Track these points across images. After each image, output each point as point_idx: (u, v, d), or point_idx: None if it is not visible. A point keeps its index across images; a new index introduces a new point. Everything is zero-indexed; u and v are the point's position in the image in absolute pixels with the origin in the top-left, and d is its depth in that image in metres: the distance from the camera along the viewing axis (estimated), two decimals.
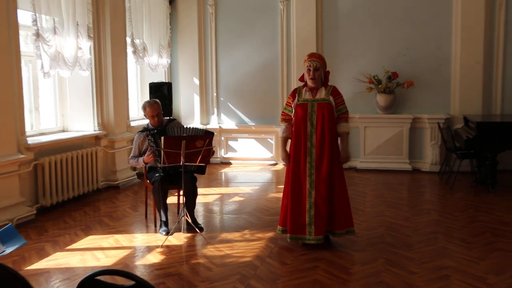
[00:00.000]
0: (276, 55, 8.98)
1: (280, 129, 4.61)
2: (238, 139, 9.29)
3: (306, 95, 4.48)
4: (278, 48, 8.94)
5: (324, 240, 4.50)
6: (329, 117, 4.41)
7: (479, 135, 6.58)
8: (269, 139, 9.13)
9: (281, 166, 8.85)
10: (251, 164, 9.07)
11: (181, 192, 5.38)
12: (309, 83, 4.47)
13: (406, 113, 8.39)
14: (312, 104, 4.42)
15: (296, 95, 4.49)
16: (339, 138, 4.52)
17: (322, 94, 4.46)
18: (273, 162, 9.11)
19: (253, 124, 9.25)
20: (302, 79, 4.58)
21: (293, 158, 4.43)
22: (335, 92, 4.50)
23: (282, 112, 4.59)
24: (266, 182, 7.74)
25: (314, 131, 4.39)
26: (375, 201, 6.28)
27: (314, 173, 4.38)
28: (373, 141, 8.29)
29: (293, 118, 4.51)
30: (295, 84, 8.75)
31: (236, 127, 9.26)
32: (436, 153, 8.13)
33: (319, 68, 4.43)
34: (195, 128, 5.13)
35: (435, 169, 8.09)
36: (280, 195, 6.68)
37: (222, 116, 9.39)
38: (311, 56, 4.50)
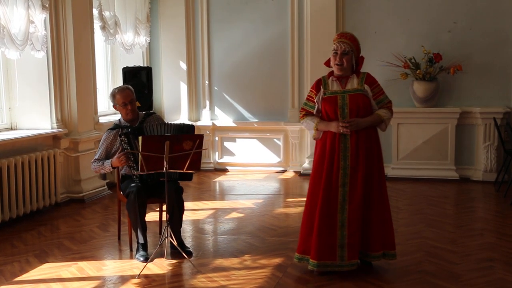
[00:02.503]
0: (284, 33, 9.00)
1: (305, 125, 4.60)
2: (237, 139, 9.30)
3: (334, 86, 4.49)
4: (287, 24, 8.95)
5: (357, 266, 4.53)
6: (365, 112, 4.44)
7: None
8: (276, 140, 9.14)
9: (291, 173, 8.84)
10: (252, 171, 9.08)
11: (164, 207, 5.35)
12: (335, 70, 4.48)
13: (451, 106, 8.38)
14: (342, 96, 4.44)
15: (321, 87, 4.50)
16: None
17: (354, 83, 4.48)
18: (281, 168, 9.11)
19: (256, 120, 9.26)
20: (328, 63, 4.58)
21: (325, 164, 4.43)
22: (370, 80, 4.50)
23: (302, 108, 4.62)
24: (272, 194, 7.73)
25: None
26: (411, 219, 6.25)
27: (348, 182, 4.41)
28: (409, 142, 8.28)
29: (316, 114, 4.52)
30: (309, 68, 8.79)
31: (233, 125, 9.27)
32: (492, 158, 8.11)
33: (348, 52, 4.43)
34: (176, 124, 5.16)
35: (490, 177, 8.07)
36: (291, 210, 6.72)
37: (216, 110, 9.40)
38: (340, 36, 4.51)
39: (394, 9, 8.57)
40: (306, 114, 4.59)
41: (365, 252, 4.55)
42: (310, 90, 4.58)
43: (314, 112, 4.55)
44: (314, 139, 4.65)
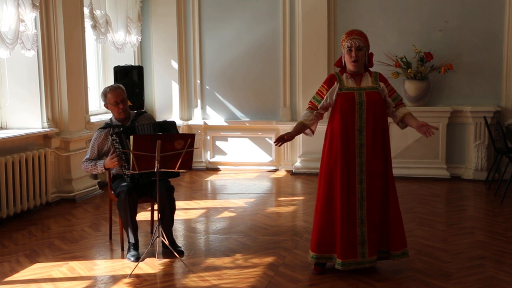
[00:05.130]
0: (276, 32, 9.01)
1: (302, 115, 4.65)
2: (228, 138, 9.30)
3: (349, 82, 4.51)
4: (279, 23, 8.96)
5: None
6: (381, 110, 4.49)
7: None
8: (267, 139, 9.14)
9: (283, 172, 8.85)
10: (244, 170, 9.08)
11: (155, 206, 5.35)
12: (350, 67, 4.48)
13: (442, 104, 8.41)
14: (359, 93, 4.46)
15: (336, 82, 4.51)
16: (406, 120, 4.57)
17: (368, 81, 4.52)
18: (273, 167, 9.11)
19: (247, 119, 9.26)
20: (338, 63, 4.60)
21: (339, 162, 4.44)
22: (383, 79, 4.60)
23: (310, 101, 4.63)
24: (264, 193, 7.73)
25: (364, 126, 4.44)
26: (402, 217, 6.21)
27: (365, 179, 4.44)
28: (400, 140, 8.29)
29: (321, 109, 4.55)
30: (301, 67, 8.81)
31: (225, 124, 9.27)
32: (482, 156, 8.14)
33: (362, 48, 4.46)
34: (156, 122, 5.20)
35: (480, 176, 8.11)
36: (283, 210, 6.73)
37: (208, 109, 9.39)
38: (351, 33, 4.51)
39: (385, 8, 8.59)
40: (311, 107, 4.62)
41: (387, 251, 4.59)
42: (322, 85, 4.57)
43: (319, 106, 4.55)
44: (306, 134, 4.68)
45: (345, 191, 4.43)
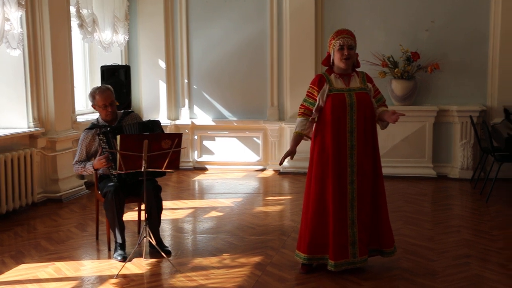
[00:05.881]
0: (263, 31, 9.01)
1: (296, 123, 4.61)
2: (216, 138, 9.28)
3: (338, 83, 4.50)
4: (267, 22, 8.96)
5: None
6: (371, 110, 4.53)
7: None
8: (255, 138, 9.14)
9: (270, 172, 8.86)
10: (232, 170, 9.07)
11: (142, 206, 5.33)
12: (341, 65, 4.47)
13: (429, 104, 8.45)
14: (349, 94, 4.46)
15: (325, 83, 4.49)
16: (381, 115, 4.56)
17: (357, 81, 4.53)
18: (261, 167, 9.11)
19: (235, 119, 9.25)
20: (326, 62, 4.59)
21: (331, 163, 4.44)
22: (369, 79, 4.63)
23: (302, 105, 4.57)
24: (252, 192, 7.73)
25: (355, 127, 4.45)
26: (389, 216, 6.24)
27: (355, 180, 4.46)
28: (387, 140, 8.28)
29: (315, 113, 4.52)
30: (289, 66, 8.82)
31: (213, 123, 9.25)
32: (468, 155, 8.19)
33: (353, 47, 4.48)
34: (140, 122, 5.19)
35: (466, 175, 8.15)
36: (270, 209, 6.74)
37: (195, 109, 9.37)
38: (341, 32, 4.51)
39: (372, 8, 8.61)
40: (305, 113, 4.55)
41: (379, 249, 4.64)
42: (311, 87, 4.53)
43: (314, 109, 4.51)
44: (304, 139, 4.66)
45: (337, 192, 4.44)
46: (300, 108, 4.59)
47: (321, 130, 4.51)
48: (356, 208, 4.48)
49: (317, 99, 4.48)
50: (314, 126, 4.60)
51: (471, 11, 8.32)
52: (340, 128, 4.44)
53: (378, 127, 4.66)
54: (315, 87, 4.50)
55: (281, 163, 4.62)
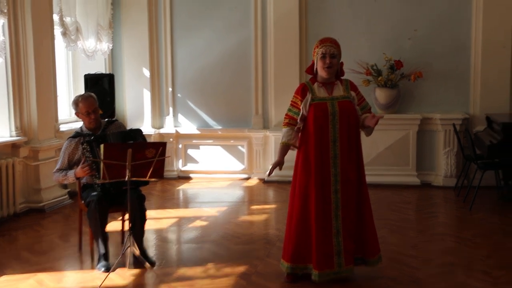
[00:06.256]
0: (247, 40, 9.02)
1: (282, 133, 4.61)
2: (200, 146, 9.26)
3: (321, 92, 4.50)
4: (251, 31, 8.97)
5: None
6: (355, 119, 4.52)
7: (505, 140, 6.67)
8: (240, 147, 9.13)
9: (255, 180, 8.85)
10: (216, 178, 9.04)
11: (126, 216, 5.30)
12: (323, 73, 4.47)
13: (413, 112, 8.48)
14: (332, 103, 4.46)
15: (308, 92, 4.50)
16: (364, 121, 4.55)
17: (340, 90, 4.53)
18: (245, 176, 9.09)
19: (220, 127, 9.24)
20: (310, 70, 4.60)
21: (313, 172, 4.44)
22: (353, 87, 4.61)
23: (286, 114, 4.58)
24: (237, 201, 7.73)
25: (338, 137, 4.45)
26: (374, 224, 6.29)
27: (340, 189, 4.46)
28: (371, 148, 8.28)
29: (300, 122, 4.52)
30: (273, 75, 8.84)
31: (197, 132, 9.23)
32: (452, 163, 8.23)
33: (336, 55, 4.47)
34: (122, 131, 5.16)
35: (450, 183, 8.18)
36: (256, 218, 6.75)
37: (180, 117, 9.35)
38: (325, 41, 4.51)
39: (356, 16, 8.64)
40: (290, 123, 4.56)
41: (363, 258, 4.62)
42: (295, 96, 4.55)
43: (298, 118, 4.52)
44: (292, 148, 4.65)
45: (320, 202, 4.43)
46: (285, 118, 4.60)
47: (305, 139, 4.52)
48: (341, 217, 4.46)
49: (301, 108, 4.50)
50: (298, 135, 4.60)
51: (453, 20, 8.38)
52: (323, 137, 4.44)
53: (363, 135, 4.67)
54: (298, 97, 4.53)
55: (269, 174, 4.64)
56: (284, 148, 4.60)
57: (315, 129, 4.44)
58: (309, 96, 4.48)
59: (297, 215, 4.51)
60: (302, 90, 4.52)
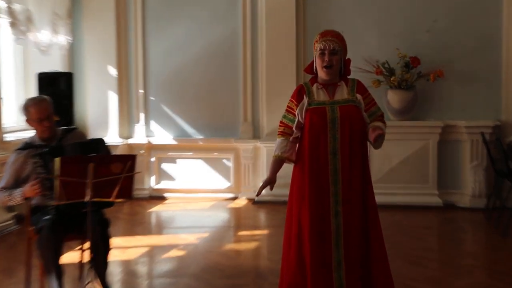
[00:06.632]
0: (235, 33, 9.06)
1: (275, 145, 4.56)
2: (177, 160, 9.25)
3: (320, 95, 4.45)
4: (238, 22, 9.01)
5: None
6: (360, 127, 4.43)
7: None
8: (225, 161, 9.12)
9: (243, 201, 8.81)
10: (197, 199, 9.03)
11: (86, 245, 5.20)
12: (322, 74, 4.42)
13: (432, 118, 8.50)
14: (332, 108, 4.39)
15: (305, 95, 4.45)
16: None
17: (343, 92, 4.46)
18: (232, 195, 9.08)
19: (201, 137, 9.24)
20: (309, 69, 4.55)
21: (307, 190, 4.38)
22: (361, 88, 4.51)
23: (281, 122, 4.54)
24: (221, 226, 7.71)
25: (338, 148, 4.37)
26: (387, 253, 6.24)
27: (341, 211, 4.36)
28: (383, 162, 8.34)
29: (296, 131, 4.47)
30: (265, 75, 8.84)
31: (174, 142, 9.23)
32: (480, 180, 8.23)
33: (337, 52, 4.40)
34: (80, 142, 5.07)
35: (478, 203, 8.17)
36: (244, 246, 6.71)
37: (153, 125, 9.34)
38: (325, 34, 4.46)
39: (364, 5, 8.69)
40: (284, 132, 4.51)
41: None
42: (290, 100, 4.51)
43: (294, 126, 4.47)
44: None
45: (316, 227, 4.34)
46: (279, 126, 4.55)
47: (301, 151, 4.47)
48: (343, 246, 4.36)
49: (296, 114, 4.45)
50: (295, 147, 4.53)
51: (479, 9, 8.44)
52: (320, 149, 4.37)
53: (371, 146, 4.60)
54: (294, 101, 4.49)
55: (258, 195, 4.55)
56: (277, 163, 4.53)
57: (311, 139, 4.38)
58: (305, 100, 4.43)
59: (295, 244, 4.43)
60: (298, 93, 4.48)
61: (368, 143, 4.52)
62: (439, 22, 8.50)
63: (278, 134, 4.53)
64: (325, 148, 4.36)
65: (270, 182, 4.49)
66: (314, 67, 4.48)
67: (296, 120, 4.45)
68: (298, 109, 4.43)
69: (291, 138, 4.50)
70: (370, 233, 4.45)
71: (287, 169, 4.61)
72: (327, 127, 4.35)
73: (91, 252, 4.81)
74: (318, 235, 4.34)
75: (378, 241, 4.49)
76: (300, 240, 4.40)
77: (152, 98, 9.33)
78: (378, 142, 4.46)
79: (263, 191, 4.50)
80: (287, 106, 4.52)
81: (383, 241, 4.53)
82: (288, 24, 8.68)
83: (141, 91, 9.29)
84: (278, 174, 4.56)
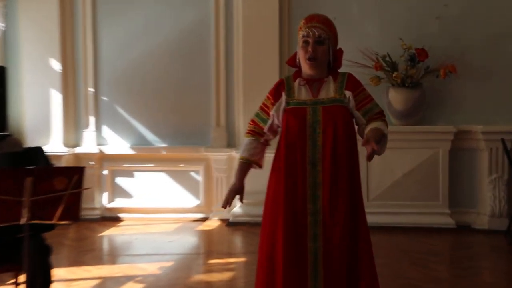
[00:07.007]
0: (205, 20, 9.10)
1: (242, 145, 4.57)
2: (135, 173, 9.27)
3: (302, 92, 4.41)
4: (210, 9, 9.05)
5: None
6: (348, 133, 4.37)
7: None
8: (193, 173, 9.15)
9: (215, 222, 8.83)
10: (158, 220, 9.04)
11: (22, 277, 5.12)
12: (306, 68, 4.39)
13: (443, 122, 8.55)
14: (313, 109, 4.35)
15: (283, 93, 4.41)
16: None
17: (330, 89, 4.41)
18: (201, 215, 9.10)
19: (164, 145, 9.27)
20: (292, 61, 4.53)
21: (282, 208, 4.33)
22: (352, 83, 4.44)
23: (252, 120, 4.54)
24: (188, 253, 7.70)
25: (319, 158, 4.32)
26: (388, 285, 6.15)
27: (320, 234, 4.31)
28: (383, 175, 8.37)
29: (269, 133, 4.47)
30: (241, 71, 8.87)
31: (131, 152, 9.25)
32: (501, 196, 8.25)
33: (324, 41, 4.37)
34: (17, 152, 4.98)
35: (499, 225, 8.17)
36: (215, 277, 6.68)
37: (105, 130, 9.35)
38: (310, 19, 4.44)
39: None
40: (254, 131, 4.51)
41: None
42: (268, 97, 4.49)
43: (266, 128, 4.46)
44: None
45: (291, 254, 4.30)
46: (249, 124, 4.55)
47: (277, 161, 4.43)
48: (322, 276, 4.33)
49: (270, 115, 4.44)
50: (265, 151, 4.56)
51: None
52: (297, 158, 4.34)
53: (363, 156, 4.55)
54: (271, 98, 4.47)
55: (224, 206, 4.52)
56: (245, 167, 4.55)
57: (287, 146, 4.35)
58: (283, 99, 4.41)
59: (265, 270, 4.40)
60: (276, 90, 4.46)
61: (357, 150, 4.46)
62: (451, 7, 8.54)
63: (247, 133, 4.53)
64: (303, 157, 4.32)
65: (238, 190, 4.50)
66: (298, 59, 4.46)
67: (270, 122, 4.44)
68: (274, 109, 4.42)
69: (262, 140, 4.50)
70: (359, 263, 4.38)
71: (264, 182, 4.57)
72: (306, 132, 4.32)
73: (28, 286, 4.74)
74: (293, 262, 4.29)
75: (368, 270, 4.42)
76: (271, 265, 4.36)
77: (104, 98, 9.32)
78: (378, 149, 4.34)
79: (238, 209, 4.46)
80: (262, 103, 4.50)
81: (374, 271, 4.47)
82: (270, 8, 8.71)
83: (91, 89, 9.28)
84: (257, 188, 4.55)
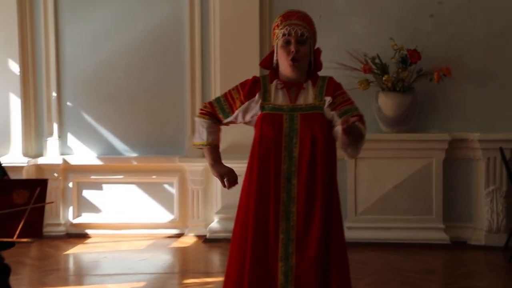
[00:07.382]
0: (179, 17, 9.10)
1: (198, 128, 4.59)
2: (104, 186, 9.25)
3: (279, 97, 4.40)
4: (184, 3, 9.03)
5: None
6: (325, 142, 4.35)
7: None
8: (167, 186, 9.16)
9: (191, 239, 8.85)
10: (129, 236, 9.04)
11: None
12: (287, 70, 4.38)
13: (436, 130, 8.59)
14: (291, 116, 4.35)
15: (258, 94, 4.41)
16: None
17: (309, 95, 4.41)
18: (176, 231, 9.10)
19: (135, 155, 9.27)
20: (267, 61, 4.53)
21: (255, 224, 4.34)
22: (332, 88, 4.43)
23: (210, 104, 4.54)
24: (161, 273, 7.68)
25: (295, 170, 4.33)
26: None
27: (293, 253, 4.32)
28: (372, 186, 8.38)
29: (224, 123, 4.52)
30: (219, 72, 8.88)
31: (99, 162, 9.23)
32: (499, 210, 8.30)
33: (306, 40, 4.39)
34: None
35: (496, 241, 8.21)
36: None
37: (70, 139, 9.33)
38: (289, 16, 4.45)
39: None
40: (210, 113, 4.52)
41: None
42: (237, 88, 4.48)
43: (223, 121, 4.52)
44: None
45: (259, 275, 4.33)
46: (205, 105, 4.59)
47: (249, 172, 4.45)
48: None
49: (235, 113, 4.47)
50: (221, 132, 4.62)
51: None
52: (269, 171, 4.34)
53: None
54: (241, 92, 4.46)
55: (228, 187, 4.60)
56: (216, 150, 4.61)
57: (260, 157, 4.35)
58: (258, 101, 4.41)
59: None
60: (251, 87, 4.44)
61: (336, 161, 4.45)
62: (446, 5, 8.62)
63: (204, 114, 4.54)
64: (278, 170, 4.33)
65: (227, 173, 4.55)
66: (274, 60, 4.45)
67: (230, 119, 4.49)
68: (241, 108, 4.44)
69: (219, 124, 4.55)
70: (333, 283, 4.34)
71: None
72: (282, 142, 4.33)
73: None
74: (260, 284, 4.32)
75: (343, 281, 4.40)
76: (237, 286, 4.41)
77: (69, 103, 9.29)
78: (353, 145, 4.33)
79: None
80: (229, 93, 4.52)
81: (348, 280, 4.45)
82: (249, 4, 8.74)
83: (54, 94, 9.24)
84: (235, 202, 4.54)
